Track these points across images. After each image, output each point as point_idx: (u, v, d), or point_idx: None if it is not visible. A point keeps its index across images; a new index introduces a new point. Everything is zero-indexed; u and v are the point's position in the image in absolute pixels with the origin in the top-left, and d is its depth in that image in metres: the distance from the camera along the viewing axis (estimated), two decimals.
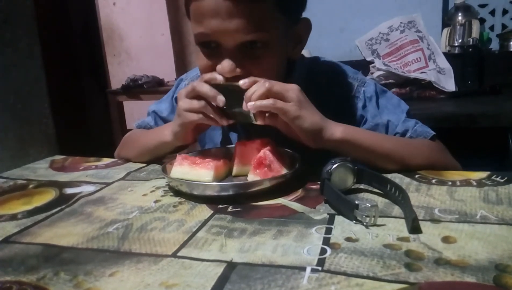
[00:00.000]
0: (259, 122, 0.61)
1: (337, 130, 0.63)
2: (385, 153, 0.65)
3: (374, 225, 0.46)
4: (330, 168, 0.55)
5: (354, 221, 0.47)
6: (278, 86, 0.60)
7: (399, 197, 0.51)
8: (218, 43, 0.63)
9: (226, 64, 0.62)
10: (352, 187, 0.57)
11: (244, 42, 0.62)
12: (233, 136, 0.82)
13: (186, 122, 0.65)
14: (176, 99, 0.86)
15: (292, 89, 0.60)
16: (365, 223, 0.46)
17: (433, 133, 0.72)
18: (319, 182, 0.55)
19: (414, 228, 0.44)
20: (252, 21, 0.60)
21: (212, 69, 0.64)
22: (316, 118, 0.62)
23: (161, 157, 0.79)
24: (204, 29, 0.62)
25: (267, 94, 0.59)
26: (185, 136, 0.69)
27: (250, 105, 0.59)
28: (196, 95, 0.63)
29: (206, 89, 0.62)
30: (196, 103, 0.63)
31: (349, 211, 0.48)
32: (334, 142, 0.63)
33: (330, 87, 0.76)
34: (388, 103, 0.76)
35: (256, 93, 0.58)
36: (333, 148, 0.63)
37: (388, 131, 0.73)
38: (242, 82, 0.60)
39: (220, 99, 0.61)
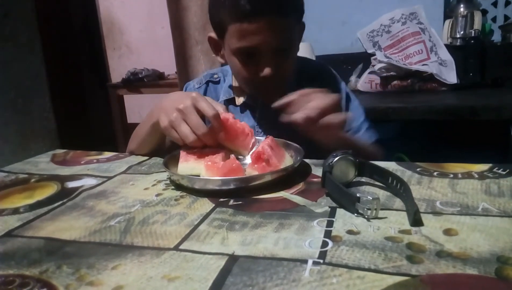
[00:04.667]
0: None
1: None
2: (366, 147, 0.82)
3: (376, 218, 0.46)
4: (332, 161, 0.55)
5: (355, 214, 0.47)
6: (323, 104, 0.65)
7: (400, 189, 0.51)
8: (257, 51, 0.74)
9: (267, 72, 0.75)
10: (354, 180, 0.57)
11: (278, 49, 0.74)
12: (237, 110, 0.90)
13: (168, 135, 0.67)
14: (186, 89, 0.94)
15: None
16: (366, 216, 0.46)
17: (377, 137, 0.88)
18: (321, 175, 0.55)
19: (416, 221, 0.44)
20: (286, 32, 0.74)
21: (250, 72, 0.76)
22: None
23: (158, 146, 0.79)
24: (247, 43, 0.73)
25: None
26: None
27: (321, 122, 0.63)
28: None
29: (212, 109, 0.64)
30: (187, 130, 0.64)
31: (350, 204, 0.48)
32: (347, 139, 0.74)
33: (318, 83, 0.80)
34: (355, 101, 0.92)
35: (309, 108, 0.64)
36: (340, 145, 0.64)
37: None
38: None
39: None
